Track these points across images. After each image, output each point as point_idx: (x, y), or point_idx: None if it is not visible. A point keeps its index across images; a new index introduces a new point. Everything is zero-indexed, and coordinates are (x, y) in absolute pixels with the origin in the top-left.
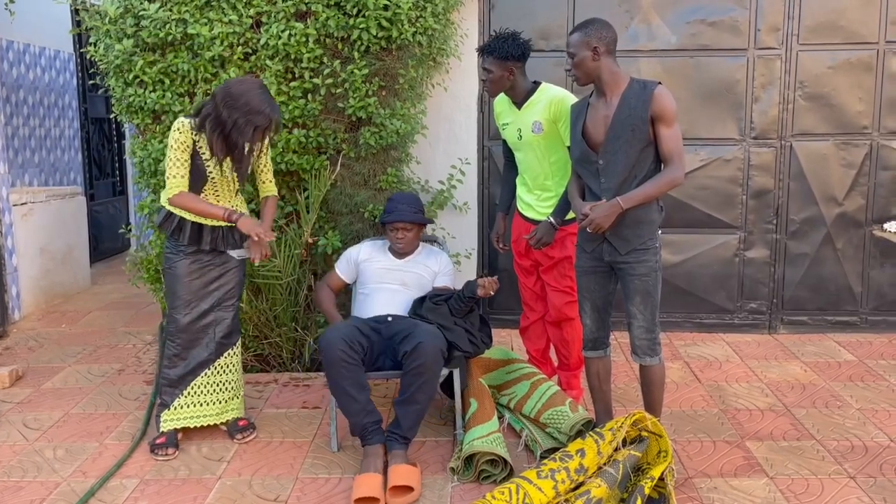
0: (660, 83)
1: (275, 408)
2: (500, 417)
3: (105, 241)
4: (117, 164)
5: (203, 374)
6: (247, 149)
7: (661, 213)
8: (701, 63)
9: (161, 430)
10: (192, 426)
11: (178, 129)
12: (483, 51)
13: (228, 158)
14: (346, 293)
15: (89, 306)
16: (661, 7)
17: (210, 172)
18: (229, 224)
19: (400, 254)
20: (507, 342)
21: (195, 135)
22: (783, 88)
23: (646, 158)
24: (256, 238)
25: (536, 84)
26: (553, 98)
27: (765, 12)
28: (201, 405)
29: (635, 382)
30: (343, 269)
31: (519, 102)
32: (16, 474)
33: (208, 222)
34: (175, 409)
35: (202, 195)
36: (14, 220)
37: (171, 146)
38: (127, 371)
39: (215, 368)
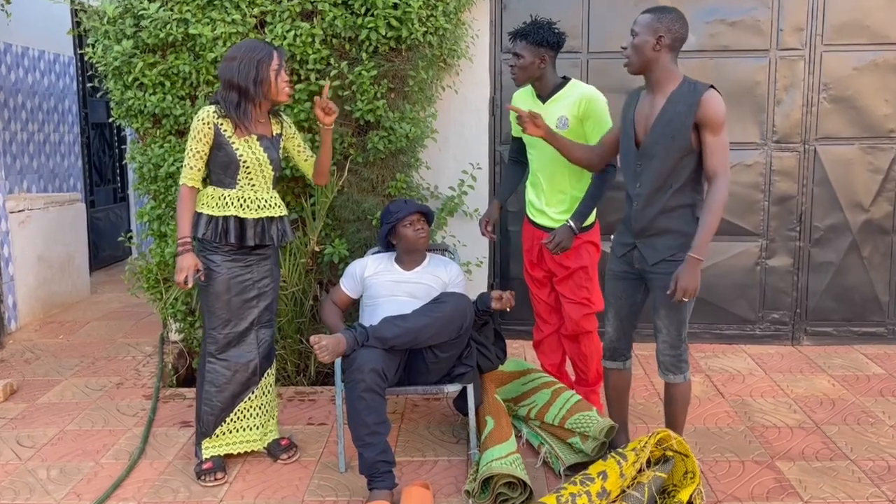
0: (712, 86)
1: (279, 424)
2: (518, 434)
3: (106, 249)
4: (118, 170)
5: (247, 398)
6: (260, 91)
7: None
8: (721, 64)
9: (203, 458)
10: (235, 452)
11: (199, 118)
12: (516, 35)
13: (253, 132)
14: (354, 308)
15: (88, 316)
16: (680, 6)
17: (241, 156)
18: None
19: (408, 264)
20: (520, 354)
21: (218, 118)
22: (806, 90)
23: (685, 168)
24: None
25: (566, 79)
26: (584, 95)
27: (787, 12)
28: (244, 430)
29: (656, 398)
30: (348, 284)
31: (545, 96)
32: (7, 496)
33: (249, 215)
34: (217, 436)
35: (237, 185)
36: (11, 228)
37: (191, 136)
38: (125, 385)
39: (259, 390)
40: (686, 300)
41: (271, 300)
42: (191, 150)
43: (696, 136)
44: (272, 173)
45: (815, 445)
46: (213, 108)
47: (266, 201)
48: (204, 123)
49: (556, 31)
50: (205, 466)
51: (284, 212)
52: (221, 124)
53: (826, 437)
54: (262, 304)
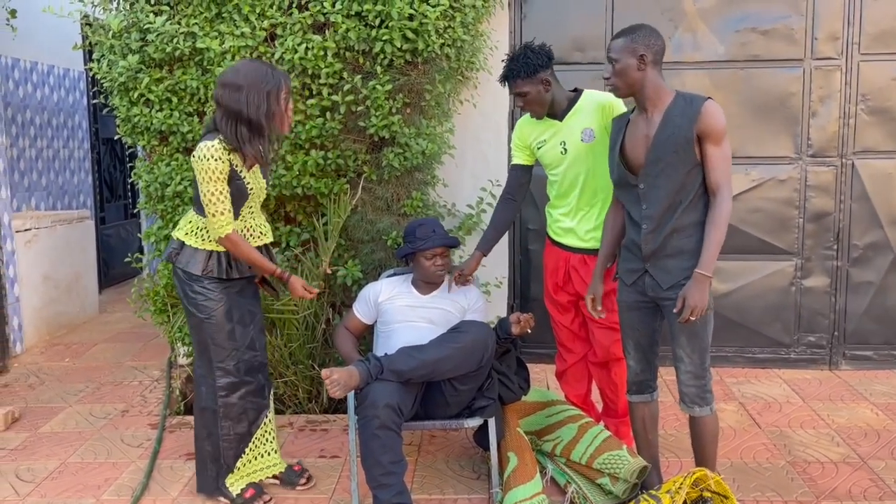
0: (709, 98)
1: (290, 456)
2: (543, 471)
3: (116, 267)
4: (129, 186)
5: (262, 422)
6: (271, 125)
7: None
8: (752, 75)
9: (234, 495)
10: (258, 479)
11: (213, 157)
12: (507, 77)
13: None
14: (370, 333)
15: (95, 338)
16: (708, 14)
17: (249, 185)
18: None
19: (425, 288)
20: (541, 379)
21: (227, 152)
22: (843, 102)
23: (692, 182)
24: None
25: (577, 91)
26: (603, 102)
27: (822, 19)
28: (265, 456)
29: (687, 428)
30: (362, 310)
31: (561, 113)
32: None
33: (253, 244)
34: (238, 468)
35: (240, 216)
36: (16, 248)
37: (209, 178)
38: (131, 412)
39: (270, 413)
40: (693, 319)
41: (260, 323)
42: (216, 192)
43: (698, 150)
44: (263, 198)
45: (862, 483)
46: (216, 142)
47: (260, 227)
48: (221, 162)
49: (537, 49)
50: (247, 495)
51: (271, 237)
52: (232, 158)
53: (874, 474)
54: (257, 328)
